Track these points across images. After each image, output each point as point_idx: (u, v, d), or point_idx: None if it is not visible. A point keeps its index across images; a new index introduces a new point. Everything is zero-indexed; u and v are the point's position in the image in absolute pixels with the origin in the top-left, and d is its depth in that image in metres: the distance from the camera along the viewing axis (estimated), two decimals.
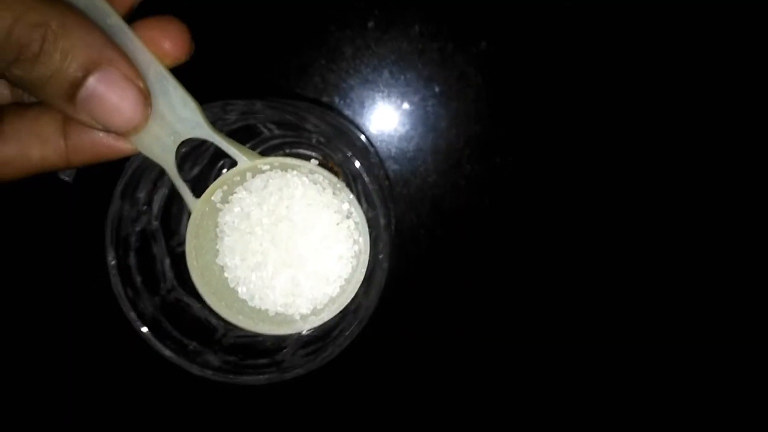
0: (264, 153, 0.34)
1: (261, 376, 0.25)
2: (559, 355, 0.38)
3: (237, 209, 0.24)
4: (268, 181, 0.24)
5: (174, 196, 0.29)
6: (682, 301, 0.38)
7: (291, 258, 0.24)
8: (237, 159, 0.22)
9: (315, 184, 0.24)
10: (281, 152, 0.34)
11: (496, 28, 0.35)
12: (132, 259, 0.24)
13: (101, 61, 0.18)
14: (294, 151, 0.34)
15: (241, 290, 0.25)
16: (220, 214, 0.24)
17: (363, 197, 0.33)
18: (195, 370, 0.24)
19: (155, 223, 0.26)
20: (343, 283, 0.24)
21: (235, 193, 0.24)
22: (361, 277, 0.23)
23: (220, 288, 0.25)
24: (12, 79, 0.17)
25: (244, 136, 0.33)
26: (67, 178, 0.26)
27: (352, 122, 0.35)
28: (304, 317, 0.24)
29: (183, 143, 0.21)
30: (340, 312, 0.24)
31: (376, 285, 0.22)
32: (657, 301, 0.38)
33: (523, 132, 0.36)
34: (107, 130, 0.19)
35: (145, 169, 0.24)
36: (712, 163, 0.36)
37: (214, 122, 0.22)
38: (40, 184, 0.26)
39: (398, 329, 0.37)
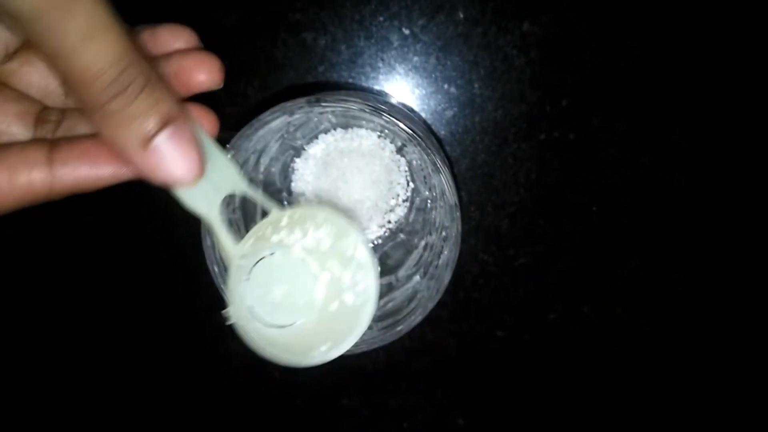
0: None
1: None
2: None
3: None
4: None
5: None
6: None
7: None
8: (269, 209, 0.23)
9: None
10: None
11: (537, 8, 0.36)
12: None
13: (177, 116, 0.20)
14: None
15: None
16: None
17: (425, 180, 0.35)
18: None
19: (237, 214, 0.29)
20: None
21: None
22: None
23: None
24: (104, 111, 0.18)
25: (305, 129, 0.35)
26: None
27: (408, 108, 0.37)
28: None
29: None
30: (413, 289, 0.26)
31: (450, 264, 0.25)
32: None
33: (566, 108, 0.37)
34: (162, 180, 0.20)
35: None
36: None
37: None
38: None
39: (452, 306, 0.40)
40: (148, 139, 0.19)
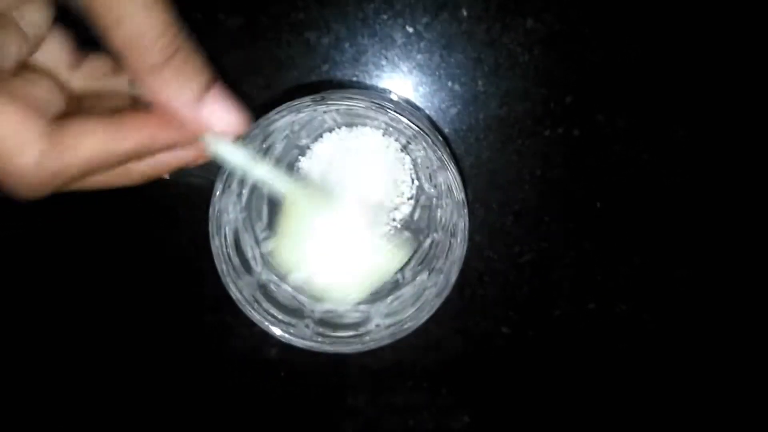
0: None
1: (348, 347, 0.28)
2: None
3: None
4: None
5: (256, 187, 0.31)
6: None
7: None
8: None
9: None
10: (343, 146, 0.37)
11: (540, 5, 0.36)
12: (230, 245, 0.27)
13: (215, 80, 0.23)
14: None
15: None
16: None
17: (430, 178, 0.35)
18: (293, 341, 0.27)
19: (244, 213, 0.29)
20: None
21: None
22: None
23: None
24: (161, 73, 0.21)
25: (310, 128, 0.35)
26: (165, 176, 0.29)
27: (412, 105, 0.37)
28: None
29: None
30: (420, 287, 0.26)
31: (457, 261, 0.25)
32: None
33: (570, 105, 0.37)
34: (215, 128, 0.23)
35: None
36: None
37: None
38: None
39: (458, 303, 0.40)
40: (202, 95, 0.22)
